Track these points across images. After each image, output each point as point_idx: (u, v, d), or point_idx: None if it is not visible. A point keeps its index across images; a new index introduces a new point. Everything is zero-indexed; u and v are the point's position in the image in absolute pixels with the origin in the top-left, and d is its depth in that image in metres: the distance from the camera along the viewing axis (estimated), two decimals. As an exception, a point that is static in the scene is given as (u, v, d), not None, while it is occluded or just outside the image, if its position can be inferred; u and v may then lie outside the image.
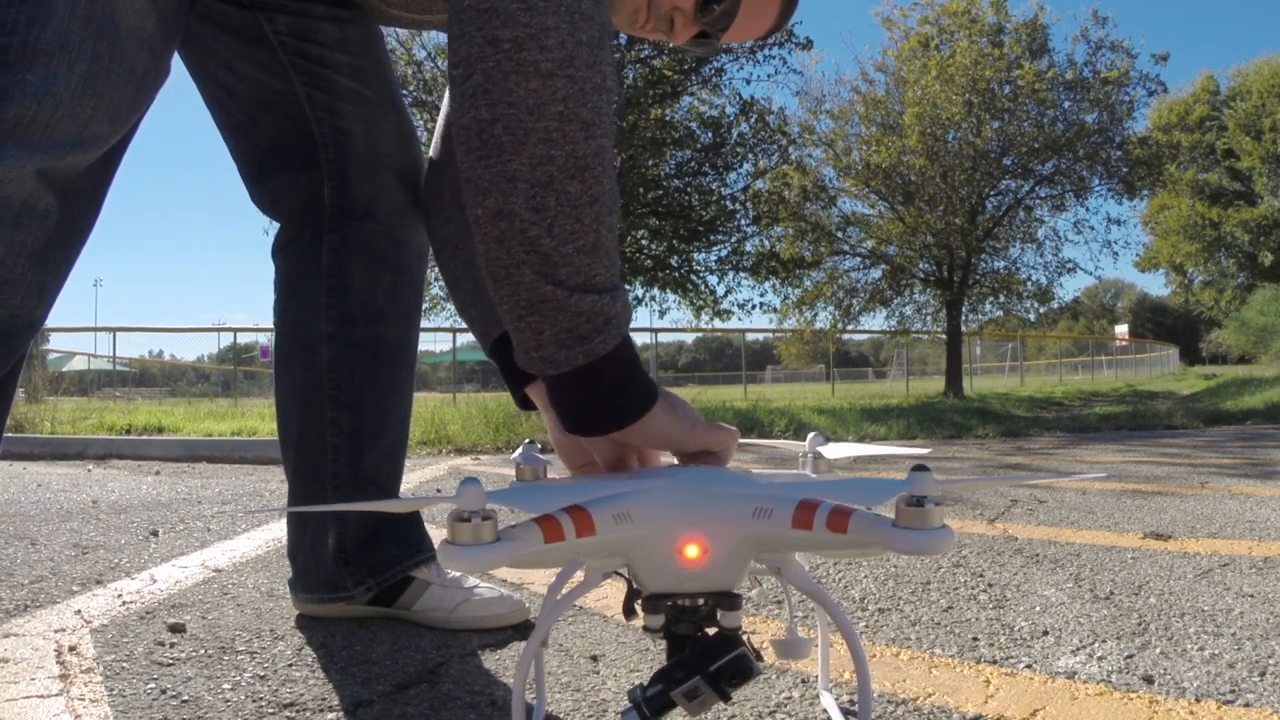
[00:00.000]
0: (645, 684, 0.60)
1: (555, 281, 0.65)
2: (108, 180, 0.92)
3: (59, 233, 0.83)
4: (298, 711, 0.96)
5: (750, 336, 20.74)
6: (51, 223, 0.81)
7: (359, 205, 1.24)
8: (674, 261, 11.37)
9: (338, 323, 1.25)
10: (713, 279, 11.79)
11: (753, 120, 11.22)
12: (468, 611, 1.28)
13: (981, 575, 1.59)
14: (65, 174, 0.81)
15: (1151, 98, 14.26)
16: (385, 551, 1.29)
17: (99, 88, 0.80)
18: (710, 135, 11.15)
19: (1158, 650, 1.14)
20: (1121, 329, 35.67)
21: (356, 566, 1.28)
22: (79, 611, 1.37)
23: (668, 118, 10.98)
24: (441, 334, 17.78)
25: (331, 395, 1.25)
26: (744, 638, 0.61)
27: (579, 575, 0.68)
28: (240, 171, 1.28)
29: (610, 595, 1.43)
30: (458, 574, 1.32)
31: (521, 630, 1.26)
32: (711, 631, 0.61)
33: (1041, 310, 14.85)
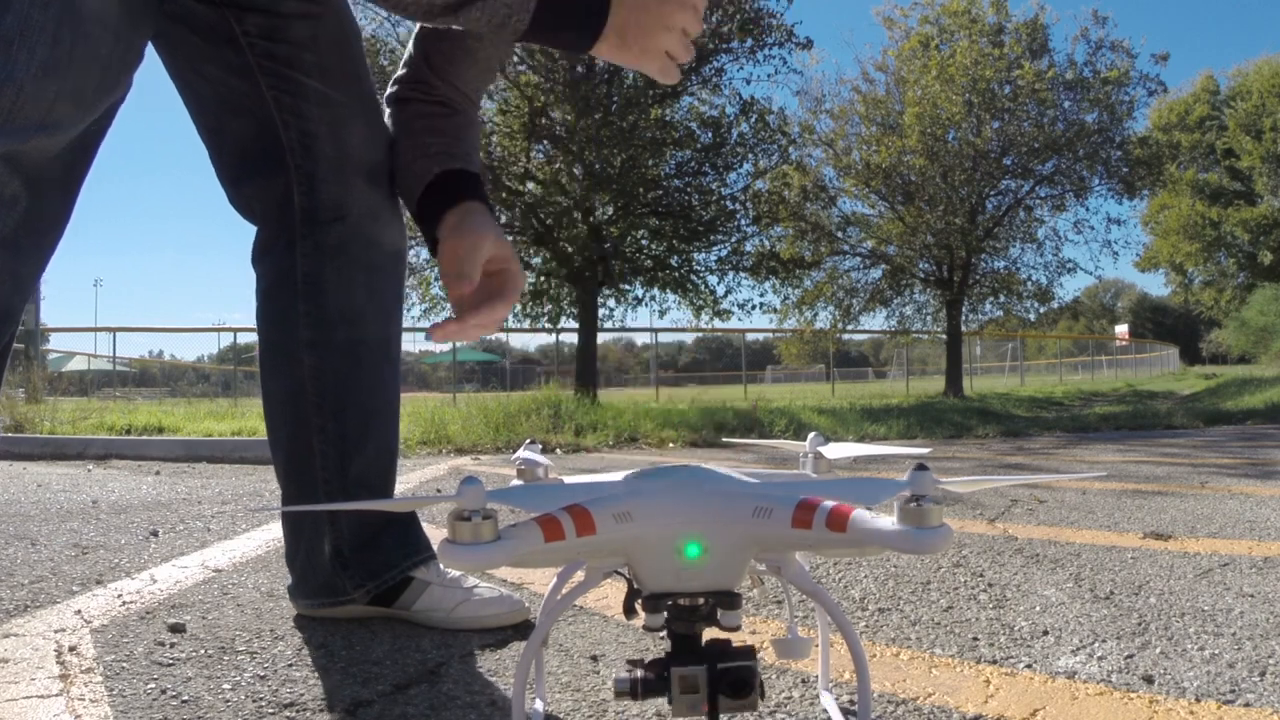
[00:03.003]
0: (645, 662, 0.61)
1: None
2: (81, 168, 0.92)
3: (29, 219, 0.83)
4: (298, 711, 0.96)
5: (750, 336, 20.74)
6: (20, 209, 0.81)
7: (329, 209, 1.22)
8: (674, 261, 11.35)
9: (316, 328, 1.24)
10: (713, 279, 11.79)
11: (753, 120, 11.20)
12: (467, 611, 1.27)
13: (981, 575, 1.59)
14: (32, 159, 0.81)
15: (1151, 98, 14.27)
16: (383, 554, 1.28)
17: (61, 72, 0.80)
18: (710, 135, 11.14)
19: (1158, 650, 1.14)
20: (1121, 329, 35.67)
21: (354, 570, 1.27)
22: (79, 611, 1.37)
23: (668, 118, 10.96)
24: (442, 334, 17.70)
25: (315, 402, 1.25)
26: (758, 664, 0.60)
27: (579, 575, 0.68)
28: (217, 175, 1.27)
29: (610, 595, 1.43)
30: (457, 574, 1.32)
31: (521, 630, 1.26)
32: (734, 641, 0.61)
33: (1041, 310, 14.84)
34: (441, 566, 1.33)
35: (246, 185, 1.25)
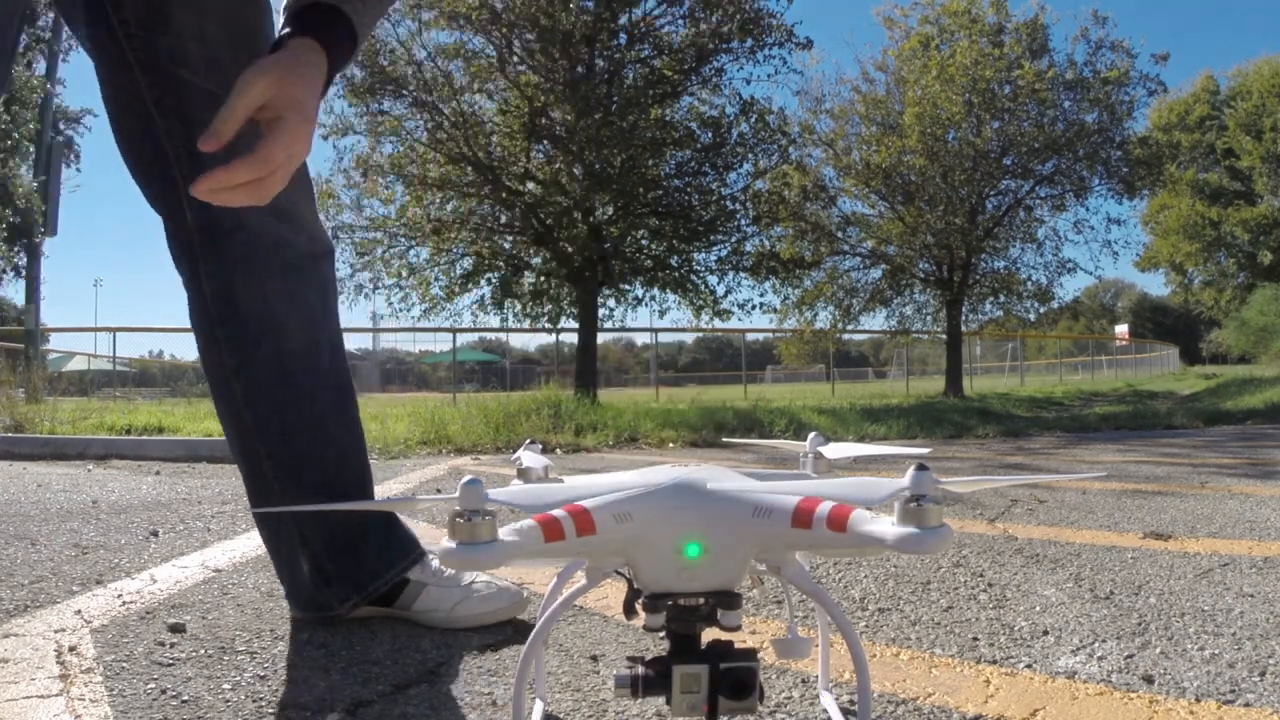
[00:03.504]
0: (645, 659, 0.61)
1: None
2: None
3: None
4: (298, 711, 0.96)
5: (750, 336, 20.72)
6: None
7: (226, 219, 1.13)
8: (674, 261, 11.36)
9: (238, 351, 1.19)
10: (713, 279, 11.79)
11: (753, 120, 11.21)
12: (467, 610, 1.26)
13: (981, 575, 1.59)
14: None
15: (1151, 98, 14.26)
16: (367, 563, 1.25)
17: None
18: (710, 135, 11.14)
19: (1158, 650, 1.14)
20: (1121, 329, 35.67)
21: (338, 585, 1.24)
22: (79, 611, 1.37)
23: (668, 118, 10.97)
24: (442, 334, 17.78)
25: (255, 429, 1.20)
26: (759, 666, 0.61)
27: (579, 575, 0.68)
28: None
29: (610, 595, 1.43)
30: (454, 571, 1.30)
31: (521, 628, 1.26)
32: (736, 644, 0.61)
33: (1041, 310, 14.83)
34: (436, 564, 1.30)
35: (151, 185, 1.15)
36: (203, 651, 1.17)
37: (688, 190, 11.09)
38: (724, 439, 5.42)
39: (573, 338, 11.67)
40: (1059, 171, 13.57)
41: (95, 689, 1.02)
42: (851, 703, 0.96)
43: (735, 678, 0.59)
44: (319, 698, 1.00)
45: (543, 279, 11.09)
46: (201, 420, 6.51)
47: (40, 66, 10.94)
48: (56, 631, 1.26)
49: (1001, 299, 14.43)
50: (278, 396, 1.20)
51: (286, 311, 1.20)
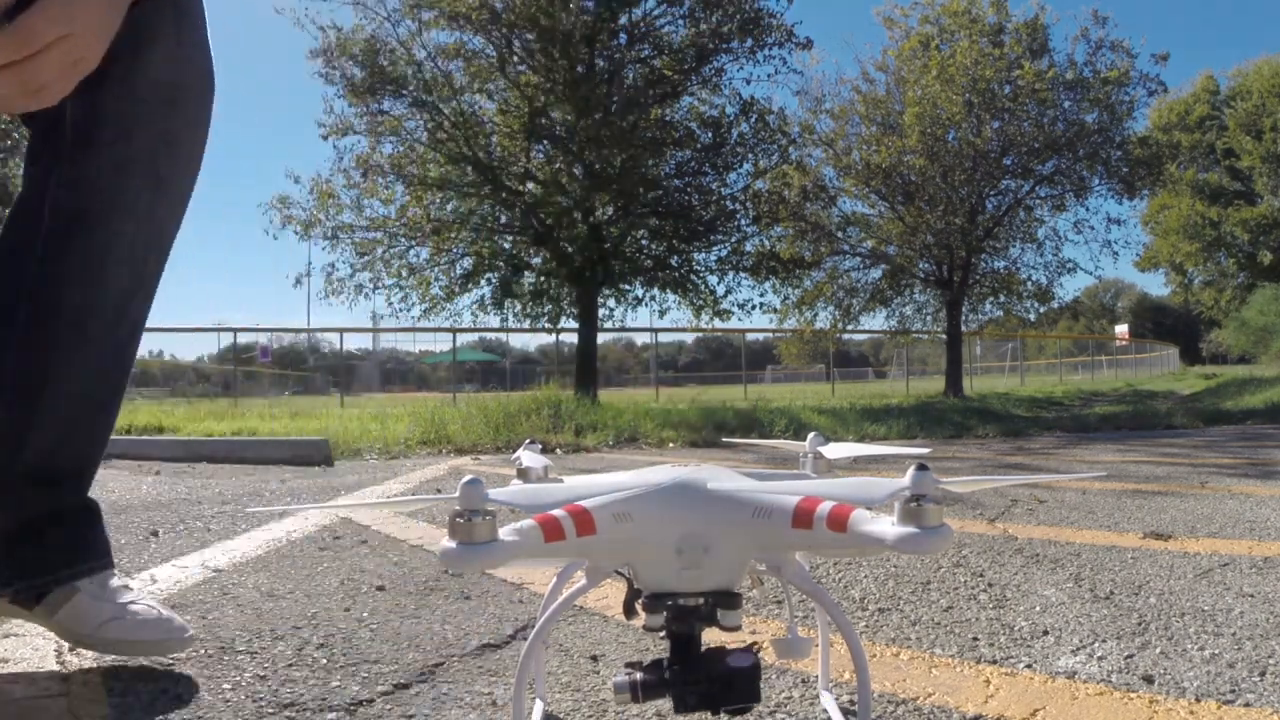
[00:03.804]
0: (644, 664, 0.61)
1: None
2: None
3: None
4: (298, 711, 0.96)
5: (750, 336, 20.74)
6: None
7: (108, 127, 0.98)
8: (674, 261, 11.36)
9: (44, 281, 1.00)
10: (713, 279, 11.80)
11: (753, 120, 11.22)
12: (114, 633, 1.07)
13: (981, 575, 1.59)
14: None
15: (1151, 98, 14.26)
16: (45, 555, 1.08)
17: None
18: (710, 135, 11.15)
19: (1158, 650, 1.14)
20: (1121, 329, 35.68)
21: (6, 564, 1.06)
22: (79, 611, 1.37)
23: (668, 118, 10.97)
24: (442, 334, 17.78)
25: (16, 369, 1.01)
26: (760, 689, 0.62)
27: (579, 575, 0.68)
28: None
29: (610, 595, 1.43)
30: (116, 585, 1.12)
31: (521, 628, 1.26)
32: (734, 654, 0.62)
33: (1041, 310, 14.83)
34: (114, 583, 1.12)
35: None
36: (203, 651, 1.17)
37: (688, 190, 11.10)
38: (724, 439, 5.42)
39: (573, 338, 11.68)
40: (1059, 171, 13.58)
41: (95, 689, 1.02)
42: (851, 703, 0.96)
43: (738, 713, 0.60)
44: (319, 698, 1.00)
45: (543, 279, 11.10)
46: (201, 420, 6.51)
47: (40, 66, 10.93)
48: (56, 631, 1.26)
49: (1001, 299, 14.44)
50: (57, 346, 1.02)
51: (123, 266, 1.04)
